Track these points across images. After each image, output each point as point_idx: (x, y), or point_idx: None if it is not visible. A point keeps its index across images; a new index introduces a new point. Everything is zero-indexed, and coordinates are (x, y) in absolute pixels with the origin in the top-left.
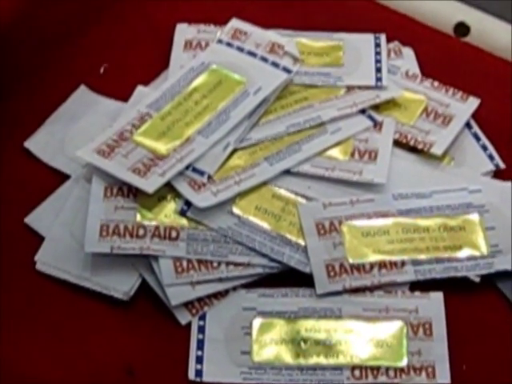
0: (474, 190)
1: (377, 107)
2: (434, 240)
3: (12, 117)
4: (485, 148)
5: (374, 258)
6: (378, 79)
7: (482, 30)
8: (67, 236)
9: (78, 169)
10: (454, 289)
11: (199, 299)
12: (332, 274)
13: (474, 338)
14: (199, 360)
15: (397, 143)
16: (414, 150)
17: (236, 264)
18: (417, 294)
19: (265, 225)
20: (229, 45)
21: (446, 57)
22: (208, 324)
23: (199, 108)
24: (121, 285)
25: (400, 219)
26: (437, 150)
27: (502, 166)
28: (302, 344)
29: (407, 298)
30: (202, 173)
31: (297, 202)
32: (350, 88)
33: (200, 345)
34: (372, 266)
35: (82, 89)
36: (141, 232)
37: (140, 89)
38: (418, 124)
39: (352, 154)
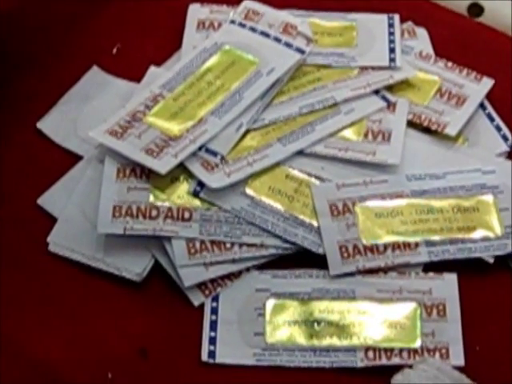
0: (487, 170)
1: (390, 88)
2: (447, 221)
3: (24, 98)
4: (499, 129)
5: (387, 239)
6: (392, 60)
7: (496, 10)
8: (80, 217)
9: (91, 150)
10: (468, 270)
11: (212, 280)
12: (345, 255)
13: (488, 320)
14: (212, 341)
15: (410, 124)
16: (427, 130)
17: (249, 245)
18: (430, 275)
19: (278, 206)
20: (242, 25)
21: (459, 37)
22: (221, 305)
23: (212, 88)
24: (134, 266)
25: (414, 200)
26: (451, 131)
27: None
28: (316, 325)
29: (421, 279)
30: (215, 153)
31: (310, 182)
32: (363, 68)
33: (213, 326)
34: (385, 247)
35: (95, 69)
36: (154, 213)
37: (153, 69)
38: (432, 105)
39: (365, 135)
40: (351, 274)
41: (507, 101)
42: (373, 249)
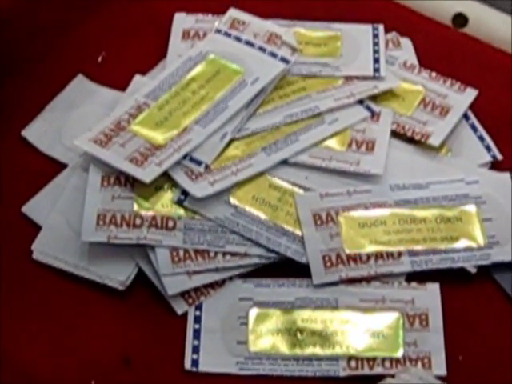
0: (471, 181)
1: (374, 98)
2: (430, 231)
3: (9, 106)
4: (482, 139)
5: (370, 248)
6: (376, 70)
7: (481, 20)
8: (64, 225)
9: (75, 158)
10: (451, 280)
11: (196, 289)
12: (328, 264)
13: (471, 329)
14: (195, 350)
15: (394, 134)
16: (411, 140)
17: (233, 254)
18: (413, 284)
19: (261, 215)
20: (227, 34)
21: (444, 48)
22: (204, 314)
23: (197, 98)
24: (117, 274)
25: (397, 210)
26: (434, 141)
27: (500, 157)
28: (299, 334)
29: (404, 289)
30: (199, 162)
31: (294, 192)
32: (347, 78)
33: (196, 335)
34: (369, 256)
35: (80, 78)
36: (138, 221)
37: (138, 78)
38: (416, 115)
39: (349, 145)
40: (334, 284)
41: (490, 111)
42: (356, 258)
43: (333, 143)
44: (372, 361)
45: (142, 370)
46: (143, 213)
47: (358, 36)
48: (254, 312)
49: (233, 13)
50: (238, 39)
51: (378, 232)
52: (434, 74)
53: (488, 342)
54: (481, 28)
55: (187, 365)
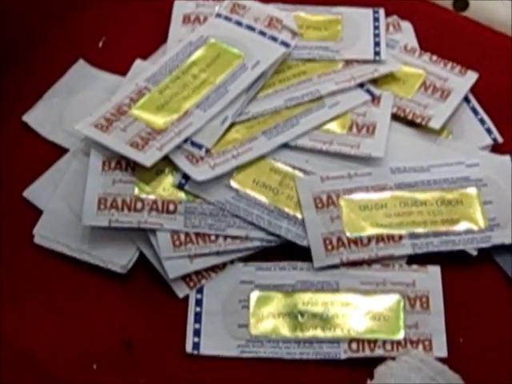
0: (471, 163)
1: (375, 81)
2: (431, 214)
3: (10, 91)
4: (483, 122)
5: (371, 231)
6: (377, 53)
7: (481, 4)
8: (65, 209)
9: (77, 143)
10: (452, 262)
11: (197, 272)
12: (329, 247)
13: (471, 312)
14: (197, 333)
15: (395, 117)
16: (412, 123)
17: (233, 237)
18: (414, 267)
19: (262, 198)
20: (227, 19)
21: (444, 31)
22: (205, 297)
23: (197, 82)
24: (118, 258)
25: (397, 193)
26: (435, 124)
27: (500, 140)
28: (300, 317)
29: (404, 272)
30: (199, 146)
31: (294, 175)
32: (348, 62)
33: (197, 318)
34: (369, 239)
35: (81, 63)
36: (139, 205)
37: (138, 63)
38: (417, 98)
39: (350, 128)
40: (335, 267)
41: (491, 94)
42: (357, 241)
43: (333, 126)
44: (373, 343)
45: (144, 353)
46: (144, 197)
47: (358, 20)
48: (255, 295)
49: None
50: (239, 23)
51: (379, 215)
52: (434, 57)
53: (489, 325)
54: (481, 11)
55: (188, 348)
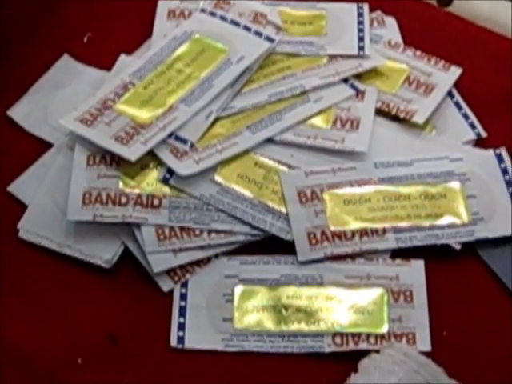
0: (455, 158)
1: (359, 76)
2: (415, 208)
3: None
4: (466, 117)
5: (355, 225)
6: (361, 48)
7: (465, 0)
8: (50, 204)
9: (61, 137)
10: (435, 256)
11: (181, 267)
12: (313, 241)
13: (455, 305)
14: (181, 327)
15: (379, 112)
16: (395, 118)
17: (218, 232)
18: (398, 261)
19: (247, 193)
20: (212, 14)
21: (428, 26)
22: (190, 291)
23: (182, 77)
24: (103, 252)
25: (381, 187)
26: (418, 119)
27: (484, 134)
28: (284, 311)
29: (388, 266)
30: (184, 141)
31: (279, 170)
32: (332, 57)
33: (182, 312)
34: (353, 233)
35: (66, 58)
36: (123, 200)
37: (123, 58)
38: (400, 93)
39: (334, 123)
40: (319, 261)
41: (475, 89)
42: (341, 235)
43: (318, 121)
44: (357, 337)
45: (129, 347)
46: (129, 191)
47: (342, 15)
48: (239, 289)
49: None
50: (223, 18)
51: (363, 209)
52: (418, 52)
53: (472, 318)
54: (465, 7)
55: (173, 342)
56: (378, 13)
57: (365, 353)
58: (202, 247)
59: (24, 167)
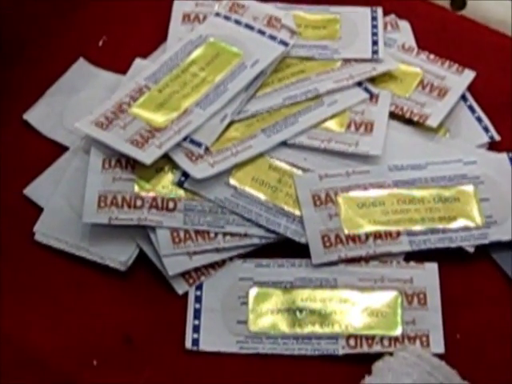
0: (468, 161)
1: (373, 80)
2: (428, 211)
3: (11, 89)
4: (480, 120)
5: (369, 228)
6: (375, 52)
7: (479, 3)
8: (66, 207)
9: (77, 141)
10: (449, 259)
11: (196, 269)
12: (328, 244)
13: (468, 308)
14: (196, 329)
15: (393, 115)
16: (409, 122)
17: (233, 234)
18: (412, 264)
19: (261, 196)
20: (226, 18)
21: (442, 30)
22: (205, 294)
23: (197, 80)
24: (119, 255)
25: (395, 190)
26: (432, 122)
27: (497, 137)
28: (298, 313)
29: (402, 268)
30: (199, 144)
31: (293, 173)
32: (346, 61)
33: (197, 314)
34: (367, 236)
35: (81, 61)
36: (138, 203)
37: (138, 61)
38: (414, 96)
39: (348, 126)
40: (333, 263)
41: (488, 93)
42: (355, 238)
43: (332, 125)
44: (371, 339)
45: (144, 349)
46: (144, 194)
47: (356, 19)
48: (253, 291)
49: None
50: (238, 22)
51: (377, 212)
52: (432, 56)
53: (486, 321)
54: (479, 10)
55: (188, 344)
56: (392, 16)
57: (379, 355)
58: (216, 250)
59: (40, 170)
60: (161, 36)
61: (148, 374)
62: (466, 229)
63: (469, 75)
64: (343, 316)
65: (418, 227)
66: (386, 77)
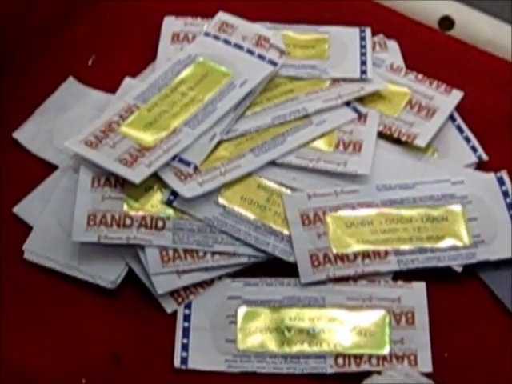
0: (456, 181)
1: (361, 99)
2: (416, 230)
3: (1, 108)
4: (468, 140)
5: (357, 247)
6: (363, 72)
7: (467, 23)
8: (55, 225)
9: (66, 159)
10: (437, 278)
11: (185, 288)
12: (316, 263)
13: (456, 327)
14: (185, 348)
15: (381, 135)
16: (397, 141)
17: (221, 253)
18: (400, 283)
19: (250, 215)
20: (215, 37)
21: (430, 50)
22: (193, 312)
23: (186, 100)
24: (108, 274)
25: (383, 210)
26: (420, 142)
27: (485, 157)
28: (286, 332)
29: (390, 288)
30: (188, 163)
31: (282, 192)
32: (335, 80)
33: (185, 333)
34: (355, 255)
35: (71, 80)
36: (127, 222)
37: (127, 80)
38: (402, 116)
39: (337, 146)
40: (322, 282)
41: (476, 113)
42: (343, 257)
43: (320, 144)
44: (359, 358)
45: (132, 367)
46: (133, 213)
47: (345, 39)
48: (242, 310)
49: (222, 16)
50: (227, 42)
51: (365, 231)
52: (420, 75)
53: (473, 340)
54: (467, 31)
55: (176, 362)
56: (381, 36)
57: (367, 374)
58: (205, 269)
59: (29, 189)
60: (150, 55)
61: None
62: (453, 248)
63: (457, 95)
64: (331, 335)
65: (406, 246)
66: (375, 96)
